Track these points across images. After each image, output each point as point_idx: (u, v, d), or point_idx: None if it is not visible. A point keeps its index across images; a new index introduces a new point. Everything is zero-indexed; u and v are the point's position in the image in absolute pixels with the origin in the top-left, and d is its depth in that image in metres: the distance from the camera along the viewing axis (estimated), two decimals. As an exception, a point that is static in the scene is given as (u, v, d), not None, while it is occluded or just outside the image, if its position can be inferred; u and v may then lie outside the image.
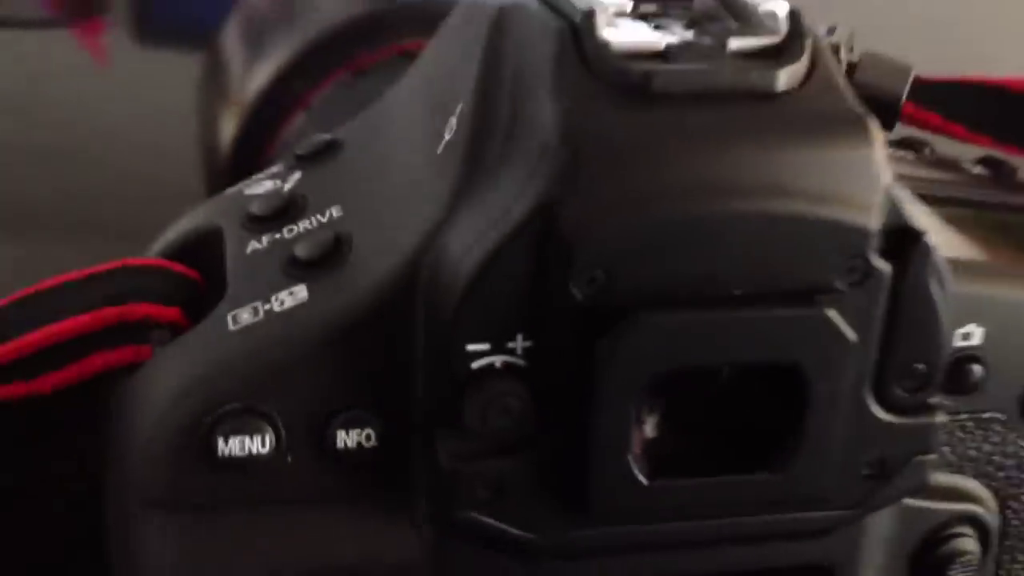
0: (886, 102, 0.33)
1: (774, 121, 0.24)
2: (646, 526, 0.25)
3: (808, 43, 0.24)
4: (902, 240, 0.24)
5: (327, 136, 0.30)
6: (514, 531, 0.24)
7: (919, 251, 0.24)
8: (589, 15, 0.24)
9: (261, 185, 0.29)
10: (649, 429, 0.25)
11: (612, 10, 0.24)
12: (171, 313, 0.26)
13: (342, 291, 0.25)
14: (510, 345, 0.24)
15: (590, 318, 0.23)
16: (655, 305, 0.23)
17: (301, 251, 0.26)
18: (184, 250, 0.28)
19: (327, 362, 0.24)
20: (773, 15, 0.24)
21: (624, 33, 0.24)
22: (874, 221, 0.24)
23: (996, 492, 0.29)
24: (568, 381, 0.24)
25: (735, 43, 0.24)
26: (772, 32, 0.24)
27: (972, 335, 0.28)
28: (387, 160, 0.27)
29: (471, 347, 0.23)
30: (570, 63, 0.24)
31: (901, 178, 0.27)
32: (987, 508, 0.29)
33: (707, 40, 0.24)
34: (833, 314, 0.24)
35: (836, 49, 0.32)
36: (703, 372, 0.24)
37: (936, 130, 0.34)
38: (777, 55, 0.24)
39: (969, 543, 0.29)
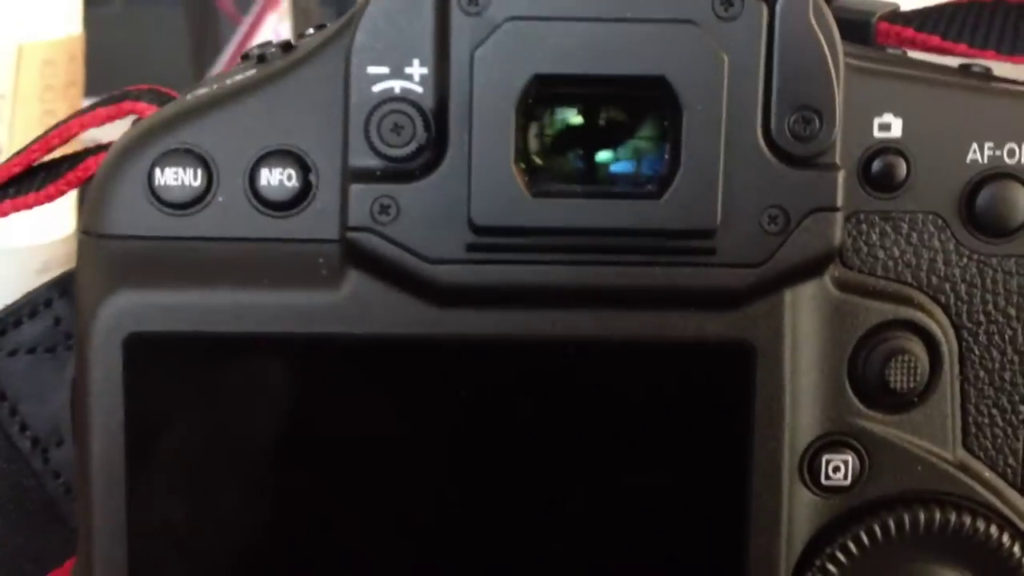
0: (860, 21, 0.35)
1: None
2: (533, 257, 0.26)
3: None
4: None
5: None
6: (411, 254, 0.26)
7: None
8: None
9: None
10: (533, 147, 0.26)
11: None
12: (150, 110, 0.30)
13: (280, 62, 0.28)
14: (407, 71, 0.26)
15: (473, 33, 0.25)
16: (526, 16, 0.25)
17: (260, 50, 0.29)
18: None
19: (255, 108, 0.27)
20: None
21: None
22: None
23: (945, 311, 0.29)
24: (457, 99, 0.26)
25: None
26: None
27: (891, 126, 0.28)
28: None
29: (372, 69, 0.26)
30: None
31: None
32: (933, 319, 0.28)
33: None
34: (702, 33, 0.25)
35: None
36: (580, 89, 0.26)
37: (911, 43, 0.35)
38: None
39: (910, 345, 0.28)
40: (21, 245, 0.62)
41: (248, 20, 1.00)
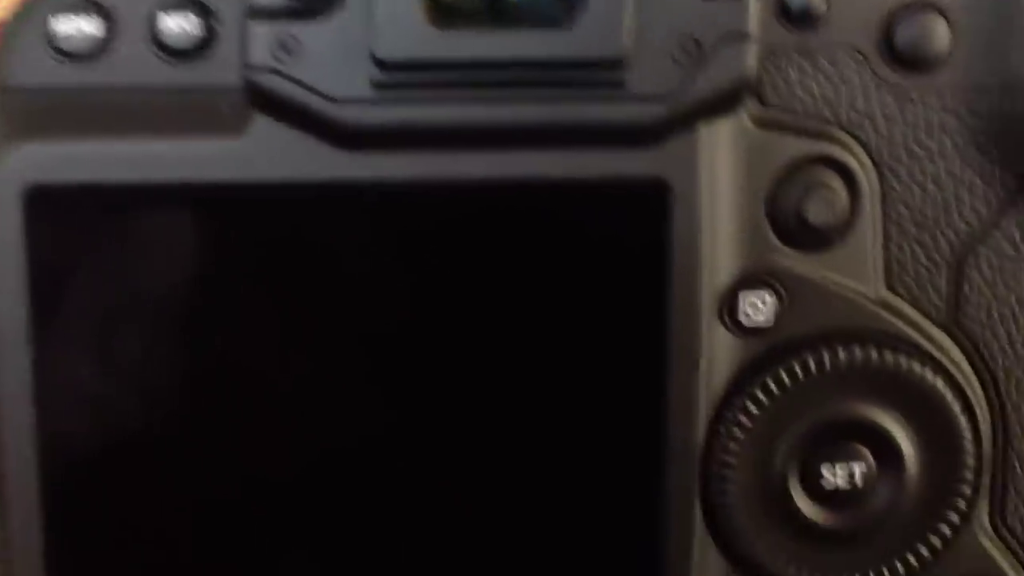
0: None
1: None
2: (440, 94, 0.25)
3: None
4: None
5: None
6: (315, 94, 0.25)
7: None
8: None
9: None
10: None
11: None
12: None
13: None
14: None
15: None
16: None
17: None
18: None
19: None
20: None
21: None
22: None
23: (866, 147, 0.28)
24: None
25: None
26: None
27: None
28: None
29: None
30: None
31: None
32: (852, 155, 0.28)
33: None
34: None
35: None
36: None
37: None
38: None
39: (828, 179, 0.28)
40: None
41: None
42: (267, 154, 0.26)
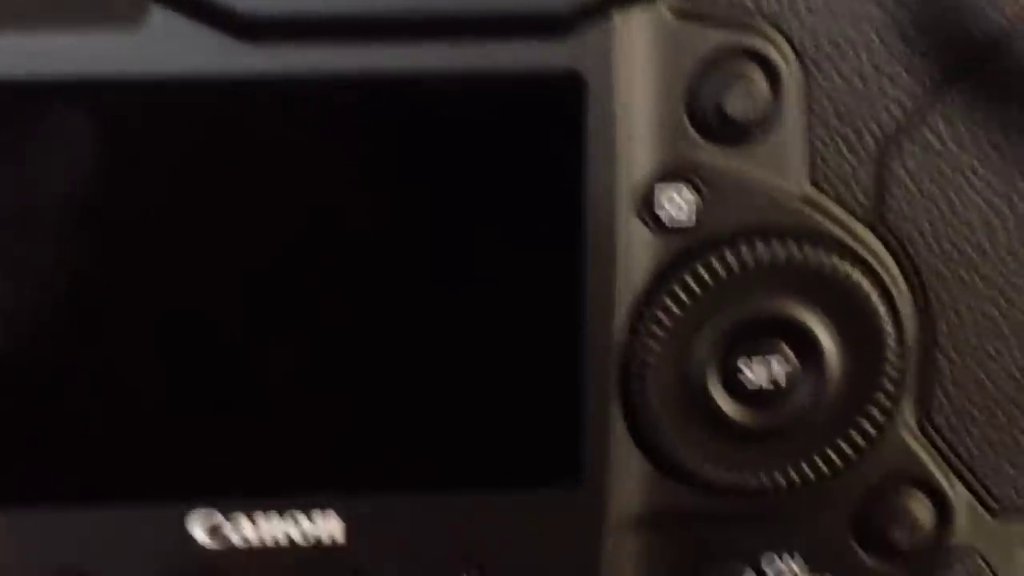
0: None
1: None
2: None
3: None
4: None
5: None
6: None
7: None
8: None
9: None
10: None
11: None
12: None
13: None
14: None
15: None
16: None
17: None
18: None
19: None
20: None
21: None
22: None
23: (788, 38, 0.28)
24: None
25: None
26: None
27: None
28: None
29: None
30: None
31: None
32: (774, 46, 0.27)
33: None
34: None
35: None
36: None
37: None
38: None
39: (749, 71, 0.27)
40: None
41: None
42: (165, 47, 0.25)
